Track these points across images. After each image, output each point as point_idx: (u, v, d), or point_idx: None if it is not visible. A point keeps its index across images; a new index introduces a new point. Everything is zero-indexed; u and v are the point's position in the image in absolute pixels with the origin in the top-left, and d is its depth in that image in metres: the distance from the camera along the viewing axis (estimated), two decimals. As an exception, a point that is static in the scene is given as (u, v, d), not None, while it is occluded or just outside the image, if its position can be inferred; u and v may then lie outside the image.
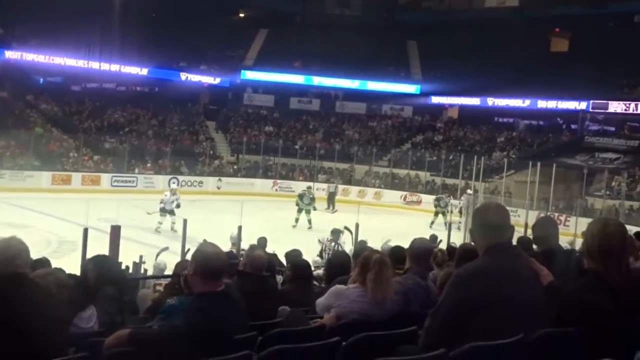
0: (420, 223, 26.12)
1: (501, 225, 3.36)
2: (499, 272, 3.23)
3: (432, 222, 27.06)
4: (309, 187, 27.89)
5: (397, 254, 5.56)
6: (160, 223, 21.71)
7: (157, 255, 13.09)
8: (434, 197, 30.00)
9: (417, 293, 4.67)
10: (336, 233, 15.57)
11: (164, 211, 22.12)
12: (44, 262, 7.05)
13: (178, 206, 21.89)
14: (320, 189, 32.00)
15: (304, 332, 4.19)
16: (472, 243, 3.84)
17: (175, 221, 21.16)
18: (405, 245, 5.40)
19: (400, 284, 4.68)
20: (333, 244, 15.10)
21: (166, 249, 13.79)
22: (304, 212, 25.73)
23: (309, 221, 25.23)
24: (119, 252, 10.69)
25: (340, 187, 34.46)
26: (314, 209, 25.99)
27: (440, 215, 27.99)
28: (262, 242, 12.37)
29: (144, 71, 41.36)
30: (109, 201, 24.03)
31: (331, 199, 31.77)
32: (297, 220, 25.57)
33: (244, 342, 3.75)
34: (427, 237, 15.05)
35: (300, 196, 26.24)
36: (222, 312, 3.75)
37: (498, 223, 3.36)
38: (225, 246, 12.31)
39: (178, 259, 12.83)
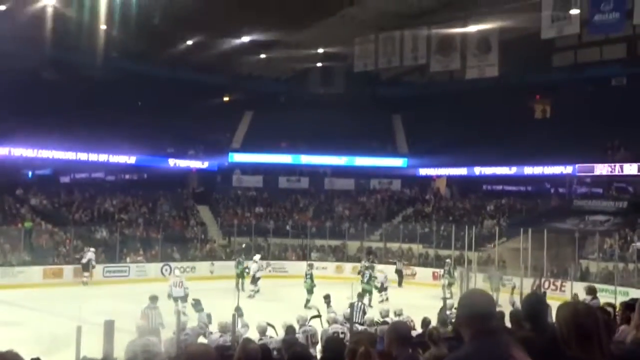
0: (416, 296, 26.05)
1: (488, 314, 3.36)
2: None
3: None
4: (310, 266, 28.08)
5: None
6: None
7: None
8: (434, 270, 30.12)
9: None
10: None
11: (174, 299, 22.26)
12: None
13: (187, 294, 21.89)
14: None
15: None
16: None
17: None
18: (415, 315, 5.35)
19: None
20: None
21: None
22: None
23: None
24: (113, 347, 10.52)
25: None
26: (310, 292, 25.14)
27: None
28: (262, 328, 12.28)
29: (132, 159, 41.58)
30: (101, 295, 23.90)
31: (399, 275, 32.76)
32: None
33: None
34: (425, 309, 15.08)
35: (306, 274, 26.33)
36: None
37: (485, 311, 3.36)
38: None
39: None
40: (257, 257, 30.15)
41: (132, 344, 11.02)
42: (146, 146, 41.88)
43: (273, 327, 13.23)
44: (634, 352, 3.49)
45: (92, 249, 31.48)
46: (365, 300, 22.33)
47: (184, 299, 22.08)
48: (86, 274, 30.74)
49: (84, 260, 30.91)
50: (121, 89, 40.64)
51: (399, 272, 32.91)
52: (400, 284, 32.04)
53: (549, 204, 39.67)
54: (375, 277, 26.58)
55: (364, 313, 16.70)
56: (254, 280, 28.23)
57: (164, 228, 37.23)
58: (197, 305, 12.86)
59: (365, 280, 25.81)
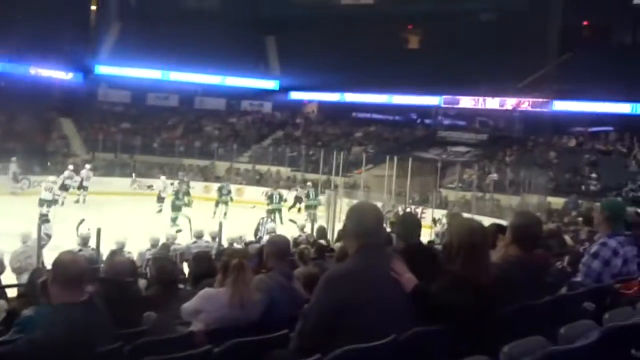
0: (285, 218, 26.31)
1: (377, 230, 3.38)
2: (369, 273, 3.25)
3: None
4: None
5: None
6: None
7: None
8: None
9: (282, 294, 4.63)
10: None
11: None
12: None
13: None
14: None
15: (172, 340, 4.07)
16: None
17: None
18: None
19: (264, 283, 4.64)
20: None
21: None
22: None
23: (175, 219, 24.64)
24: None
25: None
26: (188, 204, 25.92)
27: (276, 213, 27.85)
28: (121, 244, 12.04)
29: (-1, 66, 39.11)
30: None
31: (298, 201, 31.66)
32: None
33: (110, 354, 3.61)
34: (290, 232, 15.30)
35: (176, 193, 26.53)
36: (86, 322, 3.58)
37: (374, 227, 3.37)
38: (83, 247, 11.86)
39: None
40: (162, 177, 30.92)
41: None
42: (6, 52, 39.32)
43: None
44: (506, 270, 3.65)
45: (14, 158, 31.22)
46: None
47: (51, 203, 24.84)
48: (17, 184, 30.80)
49: (10, 175, 30.56)
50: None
51: (298, 199, 31.68)
52: (299, 210, 31.08)
53: (415, 133, 40.80)
54: (284, 199, 29.49)
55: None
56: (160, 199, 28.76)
57: (23, 139, 35.49)
58: (42, 217, 12.34)
59: (276, 201, 28.39)
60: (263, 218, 19.72)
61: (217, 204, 28.60)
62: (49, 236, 11.87)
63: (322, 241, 12.43)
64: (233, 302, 4.37)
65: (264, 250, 4.96)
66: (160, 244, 13.12)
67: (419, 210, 28.94)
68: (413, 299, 3.29)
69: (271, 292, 4.60)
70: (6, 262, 11.63)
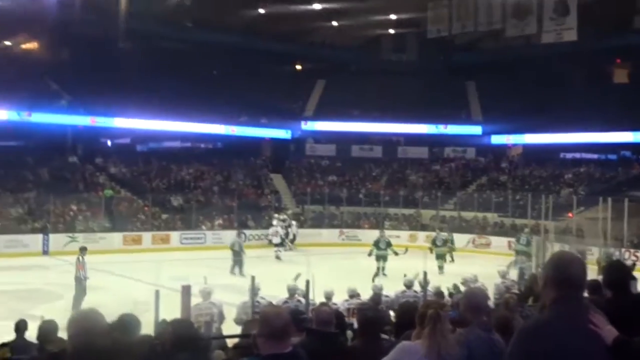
0: (491, 265, 25.69)
1: (576, 280, 3.25)
2: (566, 325, 3.14)
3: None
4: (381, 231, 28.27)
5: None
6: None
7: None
8: (509, 239, 29.54)
9: (481, 347, 4.54)
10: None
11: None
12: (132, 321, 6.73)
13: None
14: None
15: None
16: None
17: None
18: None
19: (462, 336, 4.59)
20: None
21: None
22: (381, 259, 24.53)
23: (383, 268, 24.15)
24: (190, 312, 10.77)
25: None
26: (395, 253, 24.56)
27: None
28: (329, 294, 12.34)
29: (215, 128, 42.07)
30: (179, 259, 24.46)
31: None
32: (381, 269, 24.09)
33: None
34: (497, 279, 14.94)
35: (376, 242, 25.36)
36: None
37: (574, 277, 3.25)
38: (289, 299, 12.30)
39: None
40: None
41: (197, 307, 11.35)
42: (220, 115, 42.24)
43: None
44: None
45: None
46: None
47: (281, 244, 30.39)
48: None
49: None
50: (195, 58, 41.11)
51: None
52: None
53: (630, 172, 38.49)
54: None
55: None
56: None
57: (238, 196, 37.75)
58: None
59: (440, 244, 27.81)
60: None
61: (437, 257, 26.89)
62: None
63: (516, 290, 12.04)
64: (430, 355, 4.36)
65: (461, 303, 4.89)
66: (371, 294, 13.31)
67: (638, 254, 27.19)
68: (614, 352, 3.14)
69: (469, 344, 4.54)
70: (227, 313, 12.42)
